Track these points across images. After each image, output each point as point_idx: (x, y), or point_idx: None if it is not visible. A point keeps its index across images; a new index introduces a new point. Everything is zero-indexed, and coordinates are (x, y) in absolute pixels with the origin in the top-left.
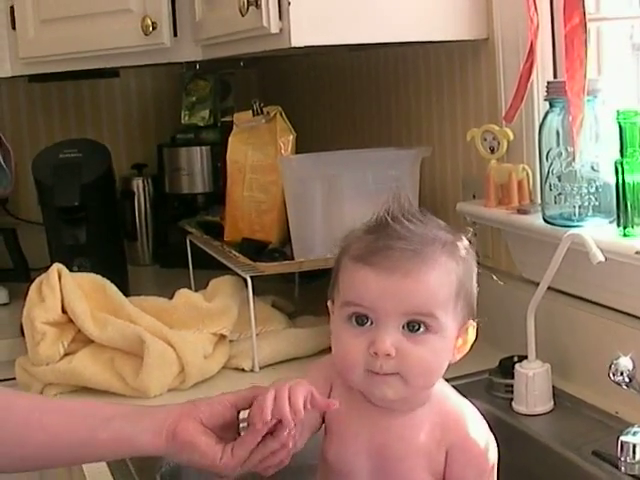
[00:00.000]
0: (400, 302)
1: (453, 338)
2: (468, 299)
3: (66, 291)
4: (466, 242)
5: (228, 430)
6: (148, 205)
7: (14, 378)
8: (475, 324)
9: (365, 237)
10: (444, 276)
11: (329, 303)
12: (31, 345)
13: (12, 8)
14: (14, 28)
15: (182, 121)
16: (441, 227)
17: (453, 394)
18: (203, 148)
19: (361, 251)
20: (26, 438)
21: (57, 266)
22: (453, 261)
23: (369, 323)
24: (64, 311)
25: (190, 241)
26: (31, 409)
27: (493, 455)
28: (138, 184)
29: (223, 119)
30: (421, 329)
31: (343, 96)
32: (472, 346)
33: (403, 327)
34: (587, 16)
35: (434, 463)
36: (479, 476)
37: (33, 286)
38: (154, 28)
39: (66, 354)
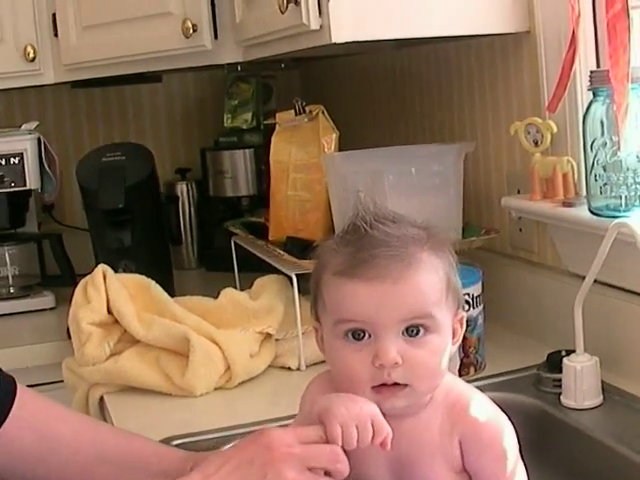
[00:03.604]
0: (396, 310)
1: (450, 333)
2: (456, 290)
3: (111, 292)
4: (441, 234)
5: None
6: (192, 209)
7: (62, 381)
8: (465, 314)
9: (343, 249)
10: (432, 274)
11: (314, 323)
12: (77, 346)
13: (54, 15)
14: (56, 35)
15: (225, 124)
16: (413, 224)
17: (458, 382)
18: (246, 151)
19: (344, 265)
20: (62, 471)
21: (102, 267)
22: (436, 257)
23: (367, 336)
24: (110, 312)
25: (235, 243)
26: (76, 445)
27: (508, 440)
28: (182, 188)
29: (266, 121)
30: (421, 332)
31: (385, 94)
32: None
33: (402, 333)
34: (630, 2)
35: (452, 458)
36: (495, 463)
37: (79, 287)
38: (194, 31)
39: (112, 354)
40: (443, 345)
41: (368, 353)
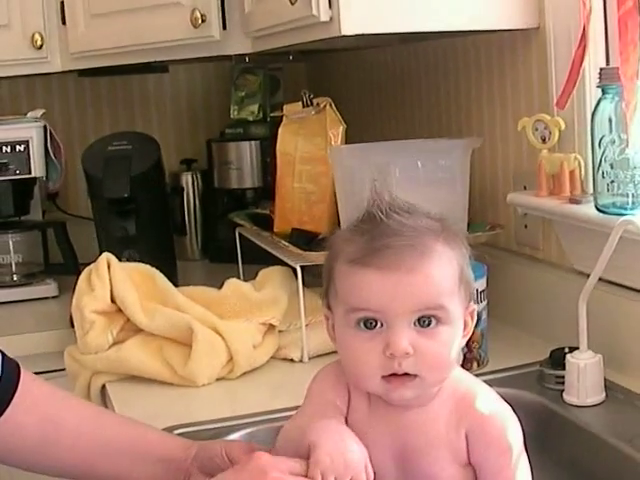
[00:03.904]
0: (409, 299)
1: (461, 325)
2: (468, 283)
3: (115, 280)
4: (454, 226)
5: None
6: (197, 200)
7: (64, 369)
8: (476, 307)
9: (357, 238)
10: (446, 265)
11: (325, 311)
12: (80, 334)
13: (62, 3)
14: (64, 23)
15: (231, 116)
16: (427, 215)
17: (466, 376)
18: (252, 143)
19: (357, 253)
20: (65, 458)
21: (106, 255)
22: (450, 248)
23: (379, 325)
24: (113, 300)
25: (239, 234)
26: (79, 433)
27: (514, 435)
28: (187, 179)
29: (272, 114)
30: (432, 323)
31: (392, 88)
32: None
33: (414, 323)
34: None
35: (457, 451)
36: (500, 457)
37: (82, 275)
38: (203, 21)
39: (115, 343)
40: (454, 337)
41: (379, 342)
